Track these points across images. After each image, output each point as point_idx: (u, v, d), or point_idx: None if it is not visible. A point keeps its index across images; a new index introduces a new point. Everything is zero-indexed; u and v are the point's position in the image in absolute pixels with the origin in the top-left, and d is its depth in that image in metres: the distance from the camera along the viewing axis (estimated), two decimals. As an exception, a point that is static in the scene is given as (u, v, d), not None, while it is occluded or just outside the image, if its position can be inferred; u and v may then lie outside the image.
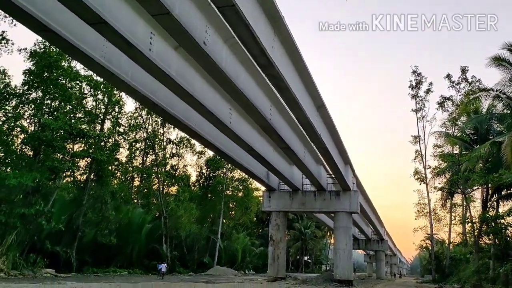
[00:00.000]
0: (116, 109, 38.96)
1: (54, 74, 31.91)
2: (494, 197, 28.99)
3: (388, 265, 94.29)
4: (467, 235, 46.14)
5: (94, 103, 37.83)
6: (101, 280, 25.97)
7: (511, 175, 21.37)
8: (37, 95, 33.15)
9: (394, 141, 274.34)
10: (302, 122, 20.54)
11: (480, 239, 29.03)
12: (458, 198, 46.86)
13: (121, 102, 38.50)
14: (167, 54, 15.63)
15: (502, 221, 27.62)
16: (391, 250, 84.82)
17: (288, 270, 68.56)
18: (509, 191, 28.81)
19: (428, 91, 49.95)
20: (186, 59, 16.68)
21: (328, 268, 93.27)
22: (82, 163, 39.64)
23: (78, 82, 34.76)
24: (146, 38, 14.35)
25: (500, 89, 25.54)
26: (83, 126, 32.79)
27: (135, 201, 51.05)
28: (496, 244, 31.31)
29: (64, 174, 36.55)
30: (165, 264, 33.77)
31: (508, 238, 33.59)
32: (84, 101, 36.57)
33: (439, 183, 30.81)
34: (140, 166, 50.95)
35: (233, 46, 15.81)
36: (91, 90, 36.24)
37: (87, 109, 36.75)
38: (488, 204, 28.26)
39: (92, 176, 37.51)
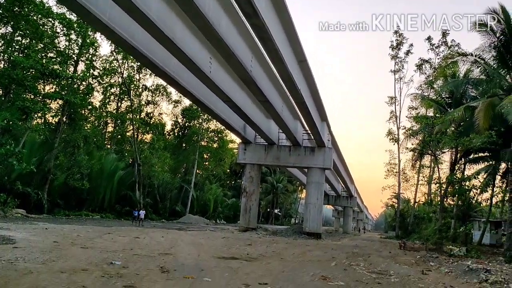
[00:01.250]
0: (91, 51, 37.48)
1: (25, 9, 30.20)
2: (462, 160, 29.97)
3: (355, 220, 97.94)
4: (432, 195, 48.08)
5: (67, 43, 36.28)
6: (73, 223, 26.05)
7: (481, 139, 21.97)
8: (7, 31, 31.51)
9: (371, 102, 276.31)
10: (282, 75, 20.35)
11: (445, 199, 30.22)
12: (427, 160, 48.39)
13: (96, 44, 37.02)
14: (148, -5, 14.97)
15: (467, 183, 28.71)
16: (358, 207, 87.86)
17: (259, 222, 70.18)
18: (476, 155, 29.80)
19: (408, 52, 50.22)
20: (168, 2, 16.07)
21: (297, 221, 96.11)
22: (54, 105, 38.58)
23: (50, 19, 33.04)
24: (126, -23, 13.70)
25: (479, 54, 25.72)
26: (56, 67, 31.42)
27: (109, 147, 50.49)
28: (459, 205, 32.77)
29: (36, 116, 35.58)
30: (143, 211, 33.74)
31: (470, 200, 35.22)
32: (56, 41, 34.95)
33: (412, 144, 31.54)
34: (114, 111, 50.02)
35: (217, -9, 15.29)
36: (64, 29, 34.58)
37: (59, 49, 35.21)
38: (455, 166, 29.21)
39: (64, 119, 36.58)
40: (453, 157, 29.04)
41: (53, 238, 14.66)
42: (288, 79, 20.43)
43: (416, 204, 52.23)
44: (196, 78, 21.78)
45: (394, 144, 50.92)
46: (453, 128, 26.99)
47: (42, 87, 34.35)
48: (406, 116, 47.24)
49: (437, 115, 28.02)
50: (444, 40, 47.91)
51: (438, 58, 48.40)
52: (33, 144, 33.16)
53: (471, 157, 29.31)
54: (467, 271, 13.98)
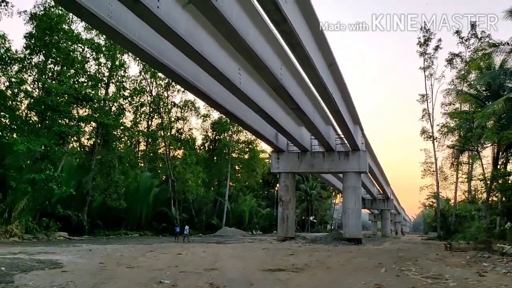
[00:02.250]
0: (121, 73, 38.27)
1: (56, 37, 31.14)
2: (504, 154, 28.69)
3: (392, 223, 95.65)
4: (473, 193, 46.36)
5: (97, 67, 37.18)
6: (114, 242, 26.32)
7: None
8: (40, 60, 32.53)
9: (402, 100, 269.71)
10: (313, 81, 20.04)
11: (490, 196, 29.00)
12: (464, 157, 46.90)
13: (125, 66, 37.79)
14: (176, 11, 15.06)
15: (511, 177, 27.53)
16: (395, 209, 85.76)
17: (295, 230, 69.71)
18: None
19: (437, 47, 48.96)
20: (194, 17, 16.11)
21: (332, 227, 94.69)
22: (88, 128, 39.47)
23: (80, 45, 33.97)
24: (154, -5, 13.81)
25: (514, 43, 24.82)
26: (88, 90, 32.18)
27: (141, 165, 51.21)
28: (504, 201, 31.36)
29: (72, 139, 36.45)
30: (187, 227, 33.43)
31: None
32: (87, 65, 35.89)
33: (451, 141, 30.43)
34: (145, 130, 50.82)
35: (243, 1, 15.22)
36: (93, 53, 35.46)
37: (90, 73, 36.11)
38: (498, 161, 28.04)
39: (99, 141, 37.35)
40: (495, 152, 27.92)
41: (98, 259, 14.73)
42: (319, 84, 20.11)
43: (457, 202, 50.51)
44: (226, 91, 21.78)
45: (427, 141, 49.93)
46: (492, 122, 25.89)
47: (76, 111, 35.15)
48: (441, 113, 45.69)
49: (474, 109, 27.08)
50: (474, 32, 46.43)
51: (469, 51, 46.87)
52: (70, 167, 34.02)
53: (514, 150, 28.00)
54: (528, 270, 13.21)
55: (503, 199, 31.08)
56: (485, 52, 30.42)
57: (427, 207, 75.14)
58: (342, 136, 31.67)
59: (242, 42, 15.32)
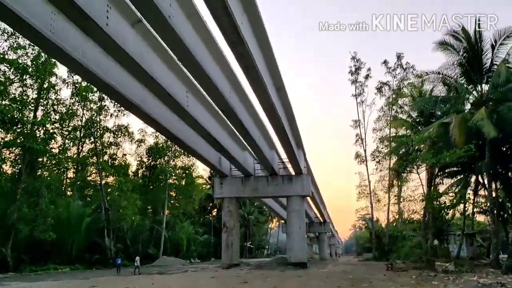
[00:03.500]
0: (51, 95, 35.88)
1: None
2: (440, 174, 30.29)
3: (328, 246, 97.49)
4: (406, 214, 48.33)
5: (21, 89, 34.57)
6: (46, 279, 23.86)
7: (461, 153, 22.25)
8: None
9: (336, 126, 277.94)
10: (264, 104, 19.95)
11: (426, 216, 30.41)
12: (395, 179, 49.40)
13: (56, 87, 35.53)
14: (124, 30, 14.40)
15: (444, 198, 29.08)
16: (331, 232, 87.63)
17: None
18: (450, 170, 30.35)
19: (367, 76, 51.59)
20: (144, 36, 15.54)
21: (269, 252, 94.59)
22: (10, 154, 36.22)
23: (5, 64, 31.51)
24: (103, 11, 13.07)
25: (443, 72, 26.67)
26: (16, 114, 29.64)
27: (70, 193, 47.78)
28: (435, 221, 33.02)
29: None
30: (138, 257, 31.06)
31: (445, 215, 35.52)
32: (10, 87, 33.27)
33: (392, 164, 31.45)
34: (75, 156, 47.63)
35: (197, 23, 14.89)
36: (18, 75, 33.06)
37: (14, 95, 33.44)
38: (432, 182, 29.59)
39: (24, 168, 34.29)
40: (429, 174, 29.45)
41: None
42: (270, 107, 20.06)
43: (390, 223, 52.48)
44: (172, 115, 21.20)
45: (361, 164, 51.78)
46: (428, 145, 27.34)
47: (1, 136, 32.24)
48: (377, 137, 47.46)
49: (410, 133, 28.55)
50: (399, 63, 49.55)
51: (395, 80, 49.77)
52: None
53: (447, 171, 29.73)
54: (481, 287, 13.66)
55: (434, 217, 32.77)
56: (410, 82, 32.20)
57: (358, 229, 77.55)
58: (285, 160, 31.86)
59: (193, 59, 14.85)
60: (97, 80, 16.37)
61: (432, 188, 29.40)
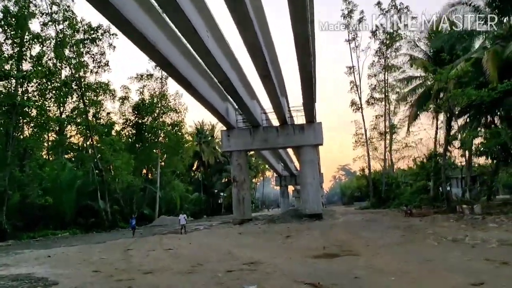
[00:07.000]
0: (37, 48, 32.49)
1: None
2: (454, 118, 28.89)
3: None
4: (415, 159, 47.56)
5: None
6: (54, 246, 21.75)
7: (503, 87, 20.85)
8: None
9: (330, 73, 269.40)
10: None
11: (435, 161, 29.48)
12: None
13: (39, 38, 32.08)
14: None
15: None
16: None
17: (222, 214, 67.39)
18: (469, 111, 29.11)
19: (360, 19, 49.15)
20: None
21: (257, 206, 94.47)
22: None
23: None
24: None
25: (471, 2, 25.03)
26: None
27: (51, 157, 44.65)
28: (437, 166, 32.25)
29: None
30: (184, 215, 27.34)
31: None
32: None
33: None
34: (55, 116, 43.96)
35: None
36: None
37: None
38: (451, 124, 28.48)
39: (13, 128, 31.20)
40: (448, 115, 28.21)
41: (84, 268, 11.25)
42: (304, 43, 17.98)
43: (388, 169, 52.18)
44: (187, 63, 19.13)
45: (356, 112, 50.72)
46: (451, 83, 25.75)
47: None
48: (398, 79, 45.33)
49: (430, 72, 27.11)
50: (394, 4, 47.44)
51: (390, 22, 47.68)
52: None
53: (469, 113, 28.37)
54: None
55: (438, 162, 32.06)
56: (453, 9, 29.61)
57: (337, 179, 77.03)
58: (296, 108, 30.16)
59: None
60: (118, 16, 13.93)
61: (450, 130, 28.36)
